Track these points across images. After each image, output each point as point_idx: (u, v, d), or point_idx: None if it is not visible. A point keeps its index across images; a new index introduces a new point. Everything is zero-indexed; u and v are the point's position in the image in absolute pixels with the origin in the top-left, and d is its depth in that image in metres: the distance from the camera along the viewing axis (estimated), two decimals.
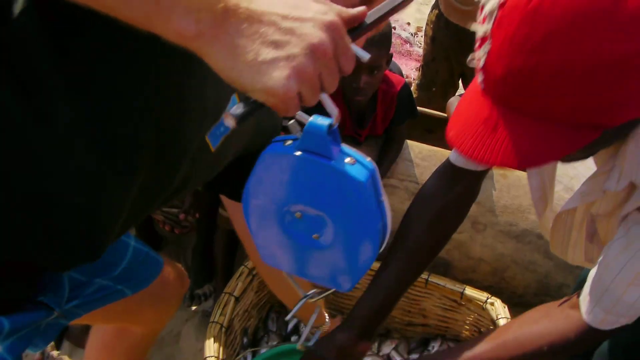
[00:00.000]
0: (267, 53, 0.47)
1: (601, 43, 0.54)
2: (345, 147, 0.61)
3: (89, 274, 0.93)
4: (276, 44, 0.48)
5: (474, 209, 1.27)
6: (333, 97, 0.56)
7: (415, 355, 1.66)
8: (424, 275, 1.64)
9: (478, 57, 0.64)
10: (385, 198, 0.63)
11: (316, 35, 0.48)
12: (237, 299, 1.53)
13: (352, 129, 1.83)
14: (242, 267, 1.62)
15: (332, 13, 0.50)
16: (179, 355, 1.74)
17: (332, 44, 0.49)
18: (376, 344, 1.69)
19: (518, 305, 1.87)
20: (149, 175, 0.70)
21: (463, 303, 1.62)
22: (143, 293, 1.03)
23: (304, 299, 0.80)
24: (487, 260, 1.81)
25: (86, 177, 0.63)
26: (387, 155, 1.79)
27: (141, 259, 1.04)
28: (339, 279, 0.69)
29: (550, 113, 0.60)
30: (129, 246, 1.01)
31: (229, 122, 0.53)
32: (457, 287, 1.61)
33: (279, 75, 0.48)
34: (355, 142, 1.89)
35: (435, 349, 1.67)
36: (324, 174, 0.60)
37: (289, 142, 0.61)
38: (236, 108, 0.53)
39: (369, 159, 0.62)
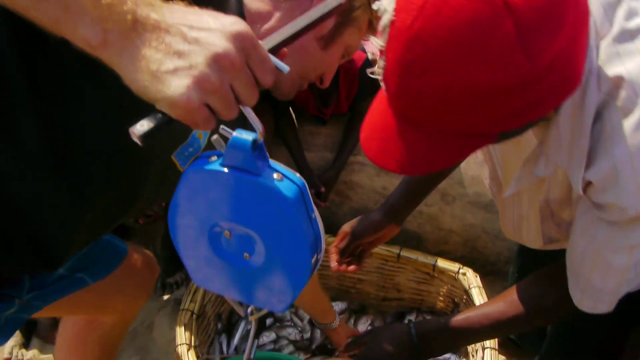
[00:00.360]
0: (170, 63, 0.47)
1: (474, 72, 0.58)
2: (273, 163, 0.59)
3: None
4: (180, 54, 0.47)
5: (442, 182, 1.27)
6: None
7: None
8: (396, 250, 1.64)
9: (378, 69, 0.66)
10: (317, 214, 0.61)
11: (221, 44, 0.47)
12: None
13: (317, 109, 1.81)
14: None
15: (243, 24, 0.49)
16: (153, 346, 1.71)
17: (241, 54, 0.48)
18: (352, 321, 1.69)
19: (491, 274, 1.90)
20: (109, 199, 0.72)
21: (436, 275, 1.63)
22: (108, 281, 1.01)
23: (244, 320, 0.77)
24: (458, 232, 1.82)
25: (41, 198, 0.65)
26: (352, 132, 1.78)
27: (101, 246, 1.01)
28: (273, 299, 0.67)
29: (441, 127, 0.64)
30: None
31: (135, 140, 0.50)
32: (429, 259, 1.61)
33: (178, 84, 0.47)
34: (321, 122, 1.87)
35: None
36: (250, 190, 0.57)
37: (214, 157, 0.59)
38: (141, 125, 0.50)
39: (298, 174, 0.59)
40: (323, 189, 1.71)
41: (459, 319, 1.01)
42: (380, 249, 1.65)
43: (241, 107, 0.52)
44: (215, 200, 0.59)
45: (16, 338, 1.67)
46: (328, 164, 1.78)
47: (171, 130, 0.51)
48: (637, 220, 0.68)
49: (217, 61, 0.47)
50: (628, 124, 0.65)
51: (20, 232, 0.68)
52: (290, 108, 1.80)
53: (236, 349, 1.60)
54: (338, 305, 1.73)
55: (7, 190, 0.64)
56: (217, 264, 0.65)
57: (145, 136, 0.50)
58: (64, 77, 0.61)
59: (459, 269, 1.58)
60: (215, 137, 0.58)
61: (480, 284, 1.53)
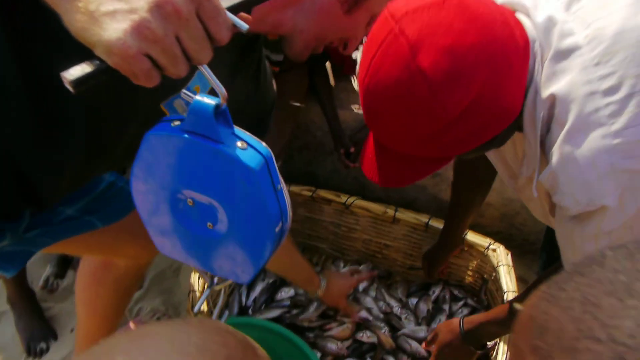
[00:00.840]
0: (109, 4, 0.44)
1: (407, 119, 0.74)
2: (238, 130, 0.56)
3: (56, 203, 0.91)
4: None
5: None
6: None
7: (414, 299, 1.62)
8: (425, 219, 1.57)
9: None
10: (283, 185, 0.59)
11: None
12: None
13: (352, 68, 1.74)
14: None
15: None
16: (178, 289, 1.76)
17: (189, 2, 0.44)
18: (374, 285, 1.66)
19: (529, 253, 1.79)
20: (90, 142, 0.71)
21: (465, 248, 1.56)
22: (118, 227, 1.01)
23: (209, 289, 0.76)
24: (495, 205, 1.72)
25: (20, 136, 0.65)
26: None
27: (113, 192, 1.01)
28: (236, 269, 0.65)
29: (404, 153, 0.80)
30: (104, 180, 0.99)
31: (67, 86, 0.46)
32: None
33: (115, 28, 0.43)
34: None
35: (436, 294, 1.62)
36: (211, 158, 0.54)
37: (177, 122, 0.56)
38: (74, 69, 0.46)
39: (264, 144, 0.56)
40: (353, 149, 1.65)
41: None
42: (409, 217, 1.59)
43: (198, 67, 0.48)
44: (176, 166, 0.57)
45: (53, 269, 1.76)
46: (361, 124, 1.71)
47: (162, 78, 0.48)
48: (585, 215, 0.76)
49: (161, 7, 0.44)
50: (561, 135, 0.74)
51: (5, 169, 0.69)
52: (326, 64, 1.74)
53: (255, 300, 1.61)
54: (363, 270, 1.69)
55: None
56: (179, 232, 0.63)
57: (77, 83, 0.46)
58: (41, 18, 0.59)
59: (489, 245, 1.49)
60: (177, 100, 0.56)
61: (510, 263, 1.44)
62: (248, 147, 0.55)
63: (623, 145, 0.70)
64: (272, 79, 0.94)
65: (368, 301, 1.58)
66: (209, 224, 0.61)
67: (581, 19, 0.74)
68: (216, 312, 0.83)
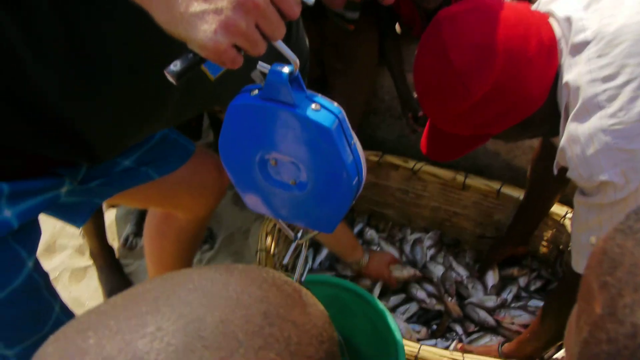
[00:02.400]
0: (196, 5, 0.49)
1: (441, 101, 0.93)
2: (311, 93, 0.61)
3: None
4: None
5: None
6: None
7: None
8: (496, 186, 1.51)
9: None
10: (356, 140, 0.64)
11: None
12: None
13: (423, 30, 1.67)
14: None
15: None
16: (247, 251, 1.81)
17: None
18: (442, 253, 1.62)
19: None
20: (132, 97, 0.75)
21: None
22: (174, 178, 1.04)
23: (294, 243, 0.81)
24: None
25: (58, 85, 0.69)
26: None
27: (167, 143, 1.04)
28: (321, 221, 0.71)
29: (447, 130, 0.98)
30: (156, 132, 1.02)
31: (170, 79, 0.55)
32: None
33: (206, 29, 0.50)
34: None
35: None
36: (289, 122, 0.60)
37: (255, 91, 0.61)
38: (174, 65, 0.54)
39: (336, 103, 0.61)
40: (421, 113, 1.60)
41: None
42: (479, 183, 1.53)
43: (272, 43, 0.55)
44: (258, 132, 0.63)
45: (132, 227, 1.86)
46: None
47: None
48: (591, 189, 0.85)
49: (242, 4, 0.49)
50: (570, 116, 0.85)
51: (49, 120, 0.72)
52: (396, 28, 1.68)
53: (320, 263, 1.63)
54: (431, 237, 1.66)
55: (25, 74, 0.66)
56: (266, 189, 0.70)
57: (179, 75, 0.54)
58: None
59: (566, 213, 1.41)
60: (254, 71, 0.60)
61: None
62: (321, 108, 0.60)
63: (617, 126, 0.80)
64: (305, 34, 0.96)
65: (437, 269, 1.55)
66: (291, 180, 0.67)
67: (595, 17, 0.85)
68: (299, 267, 0.85)
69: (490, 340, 1.37)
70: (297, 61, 0.57)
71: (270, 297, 0.32)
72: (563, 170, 0.91)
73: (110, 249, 1.69)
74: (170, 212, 1.21)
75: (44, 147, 0.75)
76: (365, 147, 1.75)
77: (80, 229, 1.65)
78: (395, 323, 1.04)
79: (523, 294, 1.50)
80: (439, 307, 1.46)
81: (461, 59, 0.87)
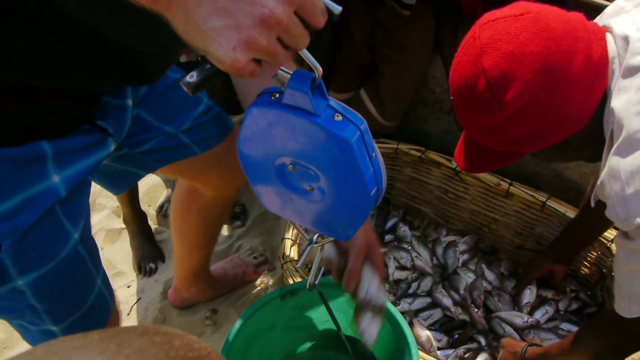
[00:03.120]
0: (215, 20, 0.47)
1: (471, 113, 0.87)
2: (334, 102, 0.59)
3: (159, 119, 0.94)
4: (225, 11, 0.46)
5: None
6: None
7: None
8: (542, 198, 1.41)
9: None
10: (377, 152, 0.62)
11: (267, 3, 0.46)
12: None
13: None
14: None
15: None
16: (277, 232, 1.79)
17: (288, 9, 0.47)
18: (475, 260, 1.55)
19: None
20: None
21: None
22: (208, 154, 1.03)
23: (309, 246, 0.80)
24: None
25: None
26: None
27: (212, 116, 1.02)
28: (337, 229, 0.70)
29: (479, 143, 0.91)
30: (202, 101, 1.01)
31: (186, 90, 0.54)
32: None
33: (225, 46, 0.47)
34: None
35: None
36: (309, 130, 0.58)
37: (277, 94, 0.60)
38: (190, 76, 0.53)
39: (359, 115, 0.59)
40: None
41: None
42: (525, 193, 1.44)
43: (298, 52, 0.53)
44: (277, 136, 0.61)
45: (169, 195, 1.88)
46: None
47: None
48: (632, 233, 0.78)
49: (264, 21, 0.47)
50: (613, 149, 0.78)
51: (87, 37, 0.67)
52: (455, 14, 1.58)
53: None
54: (467, 242, 1.59)
55: None
56: (283, 193, 0.68)
57: (195, 87, 0.53)
58: None
59: (615, 237, 1.30)
60: (276, 75, 0.58)
61: None
62: (343, 119, 0.58)
63: None
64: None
65: (468, 277, 1.49)
66: (309, 187, 0.65)
67: None
68: (313, 269, 0.85)
69: None
70: (320, 70, 0.55)
71: None
72: (602, 204, 0.83)
73: (143, 216, 1.72)
74: (196, 188, 1.20)
75: (88, 73, 0.70)
76: (409, 139, 1.70)
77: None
78: (413, 337, 0.99)
79: (555, 315, 1.42)
80: (463, 316, 1.40)
81: (495, 68, 0.80)
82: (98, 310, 0.86)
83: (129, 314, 1.62)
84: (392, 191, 1.74)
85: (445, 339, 1.37)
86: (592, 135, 0.83)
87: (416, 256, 1.54)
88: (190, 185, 1.22)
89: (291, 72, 0.57)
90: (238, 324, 0.97)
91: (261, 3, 0.46)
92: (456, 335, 1.39)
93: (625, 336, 0.93)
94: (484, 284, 1.46)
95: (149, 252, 1.71)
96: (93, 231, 1.86)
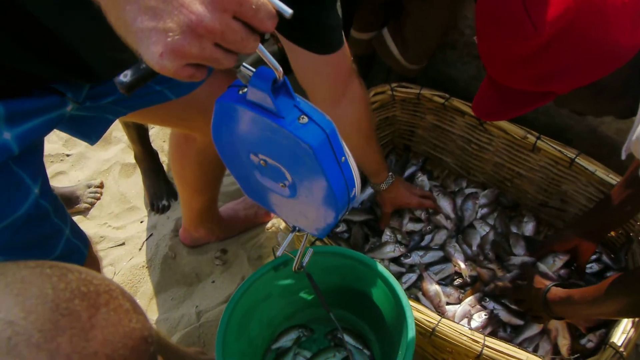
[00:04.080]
0: (143, 21, 0.43)
1: (498, 40, 0.79)
2: (301, 102, 0.56)
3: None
4: (153, 11, 0.43)
5: None
6: None
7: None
8: (571, 154, 1.32)
9: None
10: (349, 156, 0.60)
11: (196, 10, 0.43)
12: None
13: None
14: None
15: None
16: None
17: (221, 16, 0.44)
18: (495, 215, 1.48)
19: None
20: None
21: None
22: (188, 100, 0.98)
23: (291, 234, 0.78)
24: None
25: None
26: None
27: None
28: (310, 225, 0.69)
29: (508, 85, 0.82)
30: None
31: (120, 90, 0.51)
32: (611, 177, 1.27)
33: (153, 51, 0.44)
34: None
35: None
36: (272, 130, 0.56)
37: (245, 89, 0.56)
38: (124, 75, 0.50)
39: (327, 116, 0.56)
40: None
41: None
42: (552, 148, 1.34)
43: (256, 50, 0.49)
44: (244, 132, 0.60)
45: None
46: None
47: None
48: None
49: (192, 30, 0.43)
50: None
51: (38, 34, 0.67)
52: None
53: (362, 203, 1.54)
54: (487, 195, 1.52)
55: None
56: (260, 185, 0.67)
57: (129, 87, 0.50)
58: None
59: None
60: (239, 71, 0.55)
61: None
62: (309, 121, 0.55)
63: None
64: (338, 4, 0.87)
65: (483, 230, 1.43)
66: (281, 183, 0.64)
67: None
68: (298, 254, 0.85)
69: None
70: (281, 70, 0.52)
71: (29, 319, 0.27)
72: None
73: (154, 154, 1.69)
74: (189, 133, 1.16)
75: (36, 67, 0.69)
76: (434, 85, 1.59)
77: (125, 133, 1.65)
78: (407, 298, 0.96)
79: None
80: (474, 272, 1.36)
81: None
82: (68, 259, 0.84)
83: (140, 249, 1.63)
84: (413, 138, 1.66)
85: (455, 294, 1.33)
86: (632, 81, 0.74)
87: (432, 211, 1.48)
88: (181, 131, 1.18)
89: (253, 70, 0.54)
90: (234, 299, 0.98)
91: (190, 9, 0.43)
92: (465, 291, 1.35)
93: None
94: (499, 239, 1.40)
95: (160, 189, 1.69)
96: (109, 164, 1.86)
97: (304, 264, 0.85)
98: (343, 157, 0.59)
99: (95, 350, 0.27)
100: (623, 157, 0.79)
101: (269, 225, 1.63)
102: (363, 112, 1.07)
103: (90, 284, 0.30)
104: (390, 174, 1.33)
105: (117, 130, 1.93)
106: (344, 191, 0.61)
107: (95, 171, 1.86)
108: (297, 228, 0.76)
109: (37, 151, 0.77)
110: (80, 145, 1.93)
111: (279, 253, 0.80)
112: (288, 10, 0.48)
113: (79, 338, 0.27)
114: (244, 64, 0.54)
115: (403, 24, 1.47)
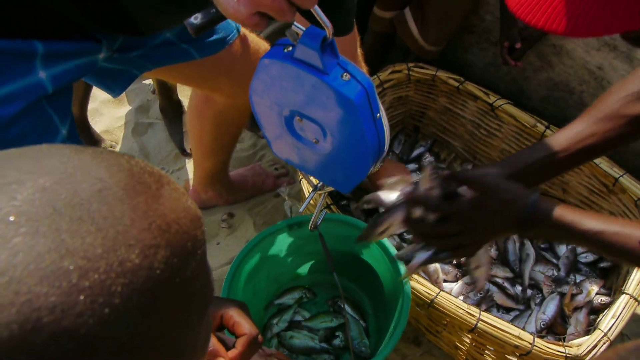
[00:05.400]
0: None
1: None
2: (344, 60, 0.60)
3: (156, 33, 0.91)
4: None
5: None
6: None
7: None
8: None
9: None
10: (382, 112, 0.64)
11: None
12: None
13: None
14: (375, 76, 1.50)
15: None
16: None
17: None
18: None
19: None
20: None
21: (616, 191, 1.33)
22: (214, 60, 1.00)
23: (313, 192, 0.83)
24: None
25: None
26: None
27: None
28: (338, 181, 0.73)
29: None
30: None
31: (190, 31, 0.56)
32: (614, 170, 1.30)
33: None
34: None
35: None
36: (316, 86, 0.60)
37: (290, 47, 0.61)
38: (195, 18, 0.55)
39: (366, 74, 0.61)
40: (519, 45, 1.42)
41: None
42: None
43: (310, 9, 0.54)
44: (286, 89, 0.63)
45: None
46: None
47: None
48: None
49: None
50: None
51: None
52: None
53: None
54: None
55: None
56: (292, 142, 0.71)
57: (198, 29, 0.55)
58: None
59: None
60: (289, 30, 0.59)
61: None
62: (351, 79, 0.59)
63: None
64: None
65: None
66: (315, 139, 0.68)
67: None
68: (315, 214, 0.90)
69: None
70: (332, 29, 0.56)
71: (114, 179, 0.31)
72: None
73: (180, 103, 1.75)
74: (210, 95, 1.18)
75: (76, 15, 0.72)
76: (450, 67, 1.62)
77: (153, 85, 1.69)
78: (403, 268, 1.00)
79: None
80: None
81: None
82: None
83: None
84: (423, 119, 1.69)
85: (453, 272, 1.37)
86: None
87: None
88: (203, 92, 1.20)
89: (303, 29, 0.58)
90: (247, 248, 1.02)
91: None
92: (462, 270, 1.39)
93: None
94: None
95: (187, 134, 1.74)
96: (121, 122, 1.88)
97: (318, 224, 0.88)
98: (378, 114, 0.63)
99: (164, 213, 0.31)
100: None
101: (276, 193, 1.67)
102: None
103: (153, 168, 0.35)
104: None
105: (133, 90, 1.95)
106: (376, 145, 0.65)
107: (108, 127, 1.89)
108: (318, 186, 0.79)
109: (67, 94, 0.80)
110: (94, 101, 1.95)
111: (301, 209, 0.85)
112: None
113: (152, 201, 0.31)
114: (295, 23, 0.58)
115: (427, 3, 1.48)
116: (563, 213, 0.76)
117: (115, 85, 0.94)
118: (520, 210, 0.75)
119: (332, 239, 1.08)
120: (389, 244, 1.06)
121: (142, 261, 0.29)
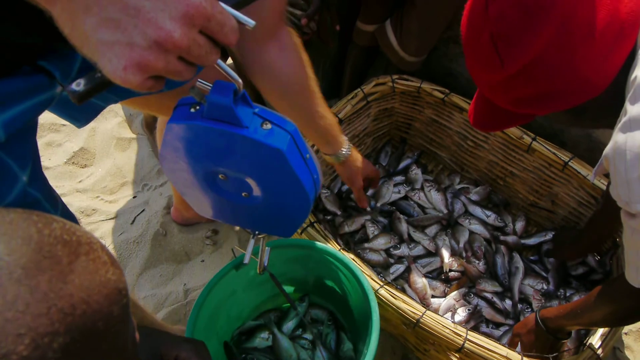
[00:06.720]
0: (105, 33, 0.42)
1: (480, 66, 0.76)
2: (260, 109, 0.57)
3: None
4: (117, 24, 0.42)
5: None
6: None
7: (529, 240, 1.45)
8: (564, 158, 1.33)
9: None
10: (311, 152, 0.62)
11: (165, 25, 0.42)
12: (341, 121, 1.42)
13: None
14: (359, 89, 1.48)
15: None
16: None
17: (189, 31, 0.43)
18: (492, 216, 1.50)
19: None
20: None
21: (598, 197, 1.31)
22: (179, 91, 0.95)
23: (252, 239, 0.79)
24: None
25: None
26: None
27: None
28: (278, 227, 0.70)
29: (491, 100, 0.81)
30: None
31: (71, 99, 0.48)
32: (602, 182, 1.28)
33: (115, 63, 0.43)
34: None
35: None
36: (237, 142, 0.56)
37: (197, 107, 0.56)
38: (77, 84, 0.47)
39: (287, 118, 0.58)
40: None
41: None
42: (547, 150, 1.36)
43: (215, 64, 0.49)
44: (202, 149, 0.59)
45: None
46: None
47: None
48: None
49: (160, 44, 0.43)
50: (621, 123, 0.67)
51: None
52: None
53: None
54: (479, 192, 1.53)
55: None
56: (219, 201, 0.66)
57: (81, 97, 0.47)
58: None
59: None
60: (193, 89, 0.54)
61: None
62: (272, 126, 0.56)
63: None
64: None
65: (472, 227, 1.45)
66: (244, 193, 0.64)
67: None
68: (260, 257, 0.86)
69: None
70: (241, 81, 0.52)
71: (13, 256, 0.29)
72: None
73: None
74: None
75: (19, 34, 0.63)
76: (435, 78, 1.59)
77: None
78: (371, 289, 0.97)
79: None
80: (461, 268, 1.38)
81: (500, 17, 0.69)
82: None
83: (132, 223, 1.64)
84: (410, 131, 1.67)
85: (441, 287, 1.34)
86: (613, 103, 0.71)
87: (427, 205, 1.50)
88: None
89: (210, 85, 0.53)
90: (198, 303, 0.97)
91: (157, 24, 0.42)
92: (451, 285, 1.37)
93: (637, 303, 0.87)
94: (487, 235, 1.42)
95: None
96: (106, 137, 1.85)
97: (266, 264, 0.85)
98: (307, 154, 0.60)
99: (71, 293, 0.29)
100: (592, 180, 0.81)
101: None
102: (297, 62, 0.96)
103: (73, 234, 0.32)
104: (345, 137, 1.18)
105: (114, 105, 1.92)
106: (312, 184, 0.62)
107: (88, 143, 1.85)
108: (256, 233, 0.76)
109: (26, 135, 0.72)
110: None
111: (245, 260, 0.80)
112: (251, 22, 0.48)
113: (57, 279, 0.29)
114: (199, 79, 0.53)
115: (408, 14, 1.46)
116: (552, 311, 1.06)
117: (81, 117, 0.88)
118: (533, 322, 1.10)
119: (285, 263, 1.05)
120: (343, 255, 1.03)
121: (32, 352, 0.26)
